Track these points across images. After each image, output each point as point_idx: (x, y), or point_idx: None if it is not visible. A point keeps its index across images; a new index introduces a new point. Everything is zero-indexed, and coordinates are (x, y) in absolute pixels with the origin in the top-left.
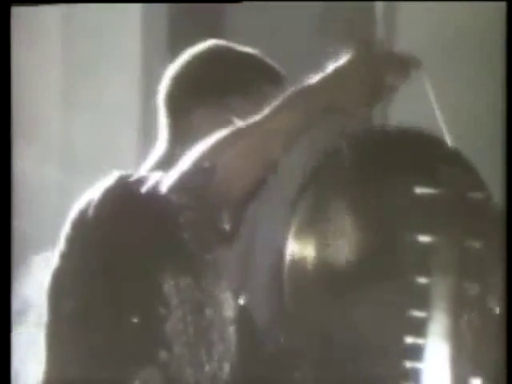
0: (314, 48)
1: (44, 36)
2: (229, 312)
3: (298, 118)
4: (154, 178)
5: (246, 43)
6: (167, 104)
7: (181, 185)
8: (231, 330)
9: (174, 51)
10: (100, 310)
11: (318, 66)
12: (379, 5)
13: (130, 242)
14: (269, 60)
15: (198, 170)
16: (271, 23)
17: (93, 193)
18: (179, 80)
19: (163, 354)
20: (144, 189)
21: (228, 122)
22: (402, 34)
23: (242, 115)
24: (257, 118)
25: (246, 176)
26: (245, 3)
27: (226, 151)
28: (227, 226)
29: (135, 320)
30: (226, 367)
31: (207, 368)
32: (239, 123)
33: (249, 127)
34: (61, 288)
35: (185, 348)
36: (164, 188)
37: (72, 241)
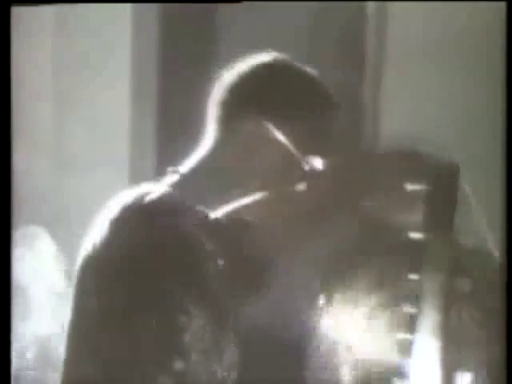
0: (307, 48)
1: (44, 35)
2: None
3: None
4: (185, 211)
5: (237, 43)
6: (219, 109)
7: (217, 232)
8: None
9: (165, 51)
10: (122, 321)
11: (310, 65)
12: (371, 5)
13: (148, 267)
14: (326, 85)
15: (238, 221)
16: (263, 23)
17: (110, 212)
18: (236, 88)
19: (180, 363)
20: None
21: (274, 140)
22: (395, 34)
23: (290, 134)
24: (300, 186)
25: (284, 238)
26: (242, 3)
27: (269, 211)
28: (258, 280)
29: (155, 329)
30: (234, 373)
31: (219, 375)
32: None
33: (296, 193)
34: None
35: (201, 356)
36: (199, 228)
37: (92, 258)
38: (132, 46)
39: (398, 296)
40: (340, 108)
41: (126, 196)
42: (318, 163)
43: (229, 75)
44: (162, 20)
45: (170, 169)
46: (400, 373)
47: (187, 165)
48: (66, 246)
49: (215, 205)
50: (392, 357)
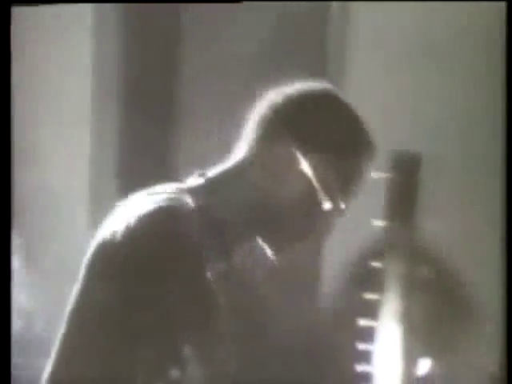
0: (274, 50)
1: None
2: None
3: None
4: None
5: (201, 44)
6: (256, 125)
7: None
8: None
9: (127, 51)
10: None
11: (279, 66)
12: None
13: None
14: (367, 127)
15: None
16: (228, 24)
17: (126, 219)
18: (278, 110)
19: (176, 373)
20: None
21: (299, 170)
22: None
23: (317, 168)
24: None
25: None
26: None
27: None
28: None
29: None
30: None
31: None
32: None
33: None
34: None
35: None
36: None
37: (104, 264)
38: (93, 48)
39: (361, 283)
40: (375, 154)
41: (154, 195)
42: (339, 203)
43: (275, 95)
44: (123, 21)
45: (198, 172)
46: (363, 359)
47: (215, 170)
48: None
49: (233, 216)
50: (355, 343)
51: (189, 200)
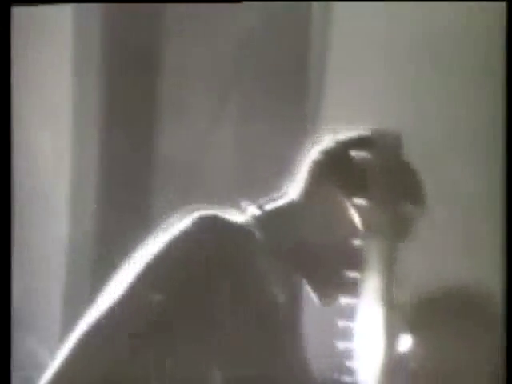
0: (253, 50)
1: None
2: None
3: None
4: None
5: (183, 45)
6: (310, 166)
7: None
8: None
9: (108, 52)
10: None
11: (256, 67)
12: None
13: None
14: (423, 182)
15: None
16: (211, 24)
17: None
18: (331, 154)
19: None
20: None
21: (345, 215)
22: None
23: (366, 217)
24: None
25: None
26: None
27: None
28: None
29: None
30: None
31: None
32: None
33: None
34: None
35: None
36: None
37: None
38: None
39: (341, 261)
40: (425, 208)
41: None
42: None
43: (331, 140)
44: (104, 22)
45: (259, 203)
46: (344, 337)
47: (273, 204)
48: None
49: (285, 253)
50: (336, 321)
51: (252, 227)
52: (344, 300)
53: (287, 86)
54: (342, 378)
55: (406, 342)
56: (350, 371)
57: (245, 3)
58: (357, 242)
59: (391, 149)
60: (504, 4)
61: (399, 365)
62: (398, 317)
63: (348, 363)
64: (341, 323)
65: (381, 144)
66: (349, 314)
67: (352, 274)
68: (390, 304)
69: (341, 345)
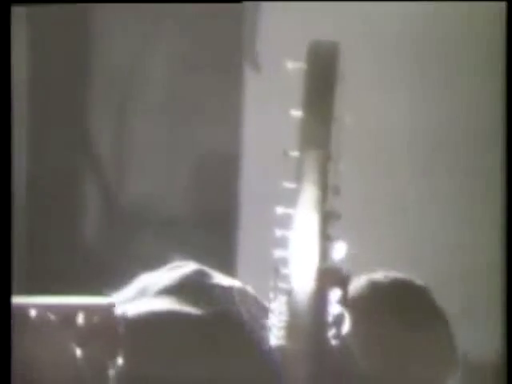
0: (189, 51)
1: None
2: None
3: None
4: None
5: (113, 45)
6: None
7: None
8: None
9: (34, 53)
10: None
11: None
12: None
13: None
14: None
15: None
16: (138, 25)
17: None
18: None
19: None
20: None
21: None
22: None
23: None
24: None
25: None
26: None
27: None
28: None
29: None
30: None
31: None
32: None
33: None
34: None
35: None
36: None
37: None
38: None
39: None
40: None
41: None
42: None
43: (361, 283)
44: (30, 22)
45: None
46: (280, 245)
47: None
48: None
49: None
50: (273, 231)
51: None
52: (280, 210)
53: None
54: (277, 284)
55: (340, 248)
56: (285, 278)
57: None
58: (294, 154)
59: (327, 57)
60: (504, 4)
61: (333, 272)
62: (332, 225)
63: (284, 270)
64: (278, 232)
65: (316, 53)
66: (286, 223)
67: (289, 185)
68: (325, 213)
69: (277, 253)
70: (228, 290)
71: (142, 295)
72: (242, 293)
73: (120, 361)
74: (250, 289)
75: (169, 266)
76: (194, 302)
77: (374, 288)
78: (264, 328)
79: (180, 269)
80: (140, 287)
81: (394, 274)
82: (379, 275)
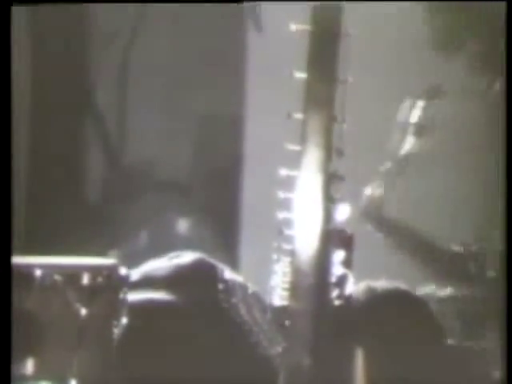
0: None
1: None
2: None
3: None
4: None
5: (115, 8)
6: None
7: None
8: None
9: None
10: None
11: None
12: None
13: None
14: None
15: None
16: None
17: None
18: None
19: None
20: None
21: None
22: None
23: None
24: None
25: None
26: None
27: None
28: None
29: None
30: None
31: None
32: None
33: None
34: None
35: None
36: None
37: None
38: None
39: (282, 135)
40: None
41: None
42: None
43: (362, 293)
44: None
45: None
46: (284, 207)
47: None
48: None
49: None
50: (277, 193)
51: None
52: (284, 172)
53: None
54: (281, 245)
55: (343, 211)
56: (288, 239)
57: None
58: (298, 115)
59: (331, 19)
60: (504, 4)
61: (336, 233)
62: (336, 187)
63: (287, 232)
64: (281, 194)
65: (320, 15)
66: (289, 185)
67: (292, 147)
68: (329, 175)
69: (281, 214)
70: (230, 285)
71: (145, 283)
72: (244, 289)
73: (124, 320)
74: (251, 286)
75: (170, 255)
76: (191, 294)
77: (372, 294)
78: (262, 332)
79: (179, 258)
80: (142, 273)
81: (394, 284)
82: (379, 283)
